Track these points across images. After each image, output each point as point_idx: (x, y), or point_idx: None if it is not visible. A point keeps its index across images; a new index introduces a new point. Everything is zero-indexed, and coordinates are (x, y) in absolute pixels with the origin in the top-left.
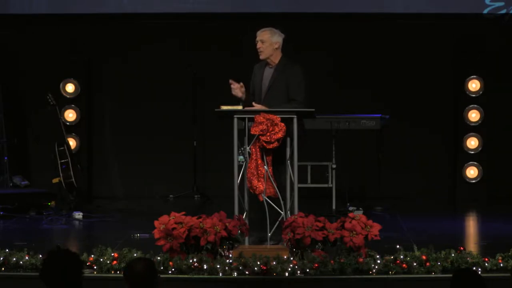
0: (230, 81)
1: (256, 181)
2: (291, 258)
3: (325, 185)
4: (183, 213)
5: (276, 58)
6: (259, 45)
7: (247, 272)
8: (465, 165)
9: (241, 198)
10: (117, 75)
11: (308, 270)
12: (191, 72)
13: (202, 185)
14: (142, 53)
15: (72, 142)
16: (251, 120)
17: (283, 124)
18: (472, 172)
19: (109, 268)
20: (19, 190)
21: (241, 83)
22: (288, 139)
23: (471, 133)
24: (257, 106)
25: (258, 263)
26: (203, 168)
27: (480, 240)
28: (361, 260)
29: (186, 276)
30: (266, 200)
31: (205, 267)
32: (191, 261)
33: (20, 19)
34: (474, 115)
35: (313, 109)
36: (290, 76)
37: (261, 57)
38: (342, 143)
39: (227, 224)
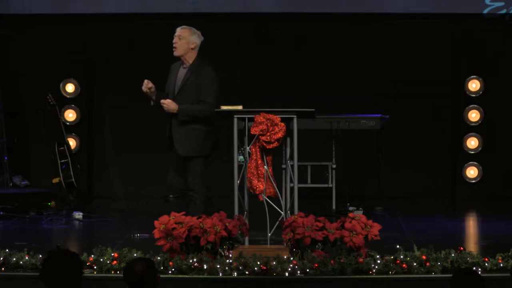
0: (146, 81)
1: (256, 181)
2: (291, 258)
3: (325, 185)
4: (183, 213)
5: (190, 58)
6: (175, 40)
7: (247, 272)
8: (465, 165)
9: (241, 198)
10: (117, 75)
11: (308, 270)
12: None
13: None
14: (142, 53)
15: (72, 142)
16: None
17: (283, 124)
18: (472, 172)
19: (109, 268)
20: (19, 190)
21: (150, 84)
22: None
23: (471, 133)
24: (166, 101)
25: (258, 263)
26: None
27: (480, 240)
28: (361, 260)
29: (186, 276)
30: (266, 200)
31: (205, 267)
32: (191, 261)
33: (20, 19)
34: (474, 115)
35: (313, 109)
36: (201, 77)
37: (175, 53)
38: (342, 143)
39: (227, 224)
